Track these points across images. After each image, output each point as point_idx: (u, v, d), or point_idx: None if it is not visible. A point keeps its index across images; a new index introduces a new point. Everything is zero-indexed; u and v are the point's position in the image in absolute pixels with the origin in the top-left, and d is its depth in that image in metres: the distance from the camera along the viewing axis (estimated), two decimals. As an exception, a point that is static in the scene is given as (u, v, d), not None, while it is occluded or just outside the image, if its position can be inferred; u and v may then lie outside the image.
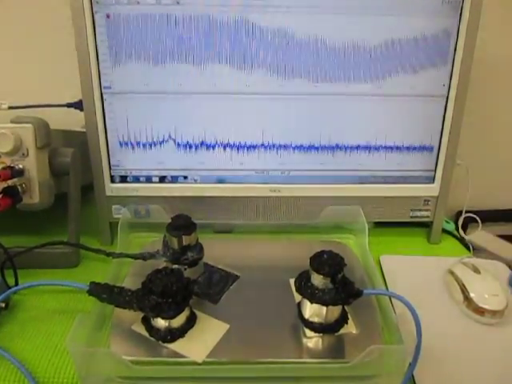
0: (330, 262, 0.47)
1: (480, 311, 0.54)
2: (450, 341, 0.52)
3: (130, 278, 0.58)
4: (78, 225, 0.63)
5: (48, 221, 0.68)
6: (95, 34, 0.59)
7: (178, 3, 0.58)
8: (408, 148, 0.66)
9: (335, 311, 0.49)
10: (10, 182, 0.54)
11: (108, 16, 0.58)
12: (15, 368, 0.46)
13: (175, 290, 0.46)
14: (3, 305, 0.52)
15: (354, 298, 0.47)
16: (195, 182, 0.66)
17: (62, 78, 0.71)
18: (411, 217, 0.70)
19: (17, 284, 0.56)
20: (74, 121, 0.67)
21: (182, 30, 0.59)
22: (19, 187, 0.55)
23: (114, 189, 0.66)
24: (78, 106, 0.64)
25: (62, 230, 0.63)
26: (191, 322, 0.49)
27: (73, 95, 0.63)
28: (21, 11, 0.79)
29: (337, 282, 0.47)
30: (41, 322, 0.53)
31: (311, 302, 0.48)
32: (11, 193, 0.53)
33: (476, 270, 0.59)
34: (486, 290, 0.56)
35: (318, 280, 0.47)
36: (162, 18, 0.58)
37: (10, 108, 0.66)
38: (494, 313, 0.54)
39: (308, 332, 0.49)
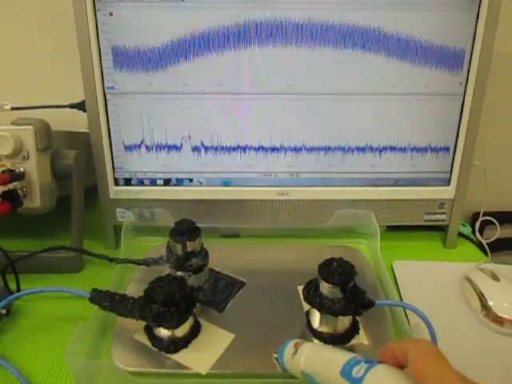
0: (339, 271, 0.45)
1: (499, 321, 0.52)
2: (467, 352, 0.49)
3: (133, 283, 0.56)
4: (82, 229, 0.61)
5: (52, 224, 0.67)
6: (98, 33, 0.57)
7: (182, 0, 0.56)
8: (422, 149, 0.63)
9: (345, 321, 0.47)
10: (10, 186, 0.53)
11: (111, 14, 0.57)
12: (14, 378, 0.45)
13: (178, 298, 0.44)
14: (4, 311, 0.51)
15: (365, 308, 0.45)
16: (201, 184, 0.65)
17: (66, 79, 0.70)
18: (426, 220, 0.67)
19: (19, 289, 0.55)
20: (80, 122, 0.65)
21: (186, 29, 0.57)
22: (20, 191, 0.54)
23: (118, 192, 0.64)
24: (80, 106, 0.62)
25: (65, 233, 0.61)
26: (195, 331, 0.48)
27: (77, 96, 0.62)
28: (23, 11, 0.78)
29: (347, 292, 0.45)
30: (42, 330, 0.52)
31: (320, 312, 0.46)
32: (11, 197, 0.52)
33: (495, 277, 0.56)
34: (505, 298, 0.54)
35: (326, 289, 0.45)
36: (166, 15, 0.57)
37: (13, 109, 0.65)
38: (514, 323, 0.51)
39: (317, 343, 0.47)
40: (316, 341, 0.47)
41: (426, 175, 0.65)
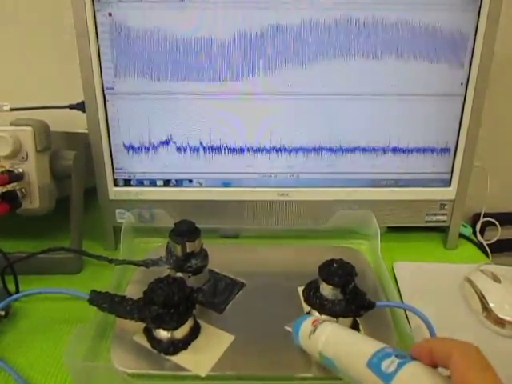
0: (340, 272, 0.45)
1: (500, 322, 0.52)
2: (469, 354, 0.49)
3: (132, 284, 0.56)
4: (81, 230, 0.61)
5: (51, 225, 0.66)
6: (97, 33, 0.57)
7: (182, 0, 0.56)
8: (423, 150, 0.63)
9: (346, 323, 0.47)
10: (9, 187, 0.52)
11: (110, 14, 0.56)
12: (13, 380, 0.45)
13: (177, 300, 0.44)
14: (3, 313, 0.51)
15: (365, 310, 0.45)
16: (200, 185, 0.64)
17: (66, 79, 0.69)
18: (426, 221, 0.67)
19: (17, 291, 0.55)
20: (79, 122, 0.65)
21: (186, 28, 0.57)
22: (18, 192, 0.53)
23: (117, 192, 0.64)
24: (80, 107, 0.62)
25: (64, 234, 0.61)
26: (195, 332, 0.47)
27: (76, 96, 0.62)
28: (23, 11, 0.78)
29: (347, 293, 0.44)
30: (41, 331, 0.51)
31: (320, 314, 0.46)
32: (10, 198, 0.52)
33: (496, 279, 0.56)
34: (506, 299, 0.54)
35: (327, 290, 0.45)
36: (165, 15, 0.56)
37: (12, 110, 0.65)
38: (515, 324, 0.51)
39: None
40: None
41: (426, 176, 0.65)
